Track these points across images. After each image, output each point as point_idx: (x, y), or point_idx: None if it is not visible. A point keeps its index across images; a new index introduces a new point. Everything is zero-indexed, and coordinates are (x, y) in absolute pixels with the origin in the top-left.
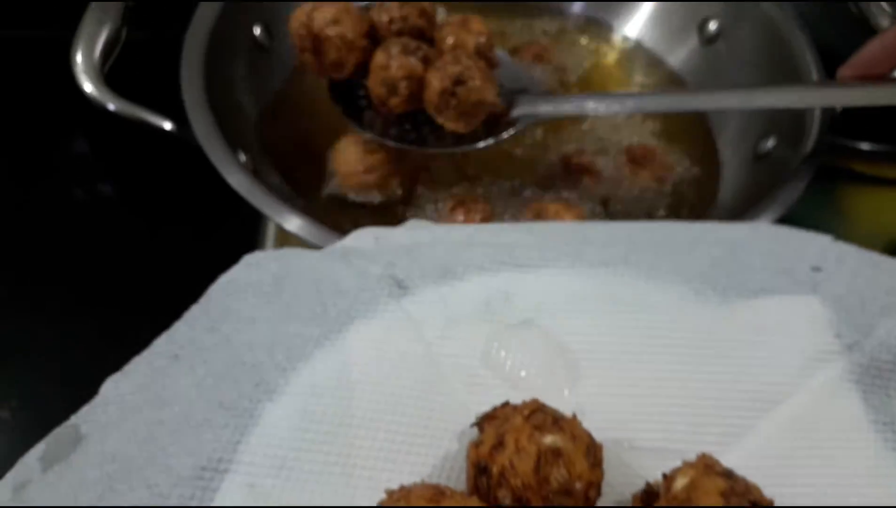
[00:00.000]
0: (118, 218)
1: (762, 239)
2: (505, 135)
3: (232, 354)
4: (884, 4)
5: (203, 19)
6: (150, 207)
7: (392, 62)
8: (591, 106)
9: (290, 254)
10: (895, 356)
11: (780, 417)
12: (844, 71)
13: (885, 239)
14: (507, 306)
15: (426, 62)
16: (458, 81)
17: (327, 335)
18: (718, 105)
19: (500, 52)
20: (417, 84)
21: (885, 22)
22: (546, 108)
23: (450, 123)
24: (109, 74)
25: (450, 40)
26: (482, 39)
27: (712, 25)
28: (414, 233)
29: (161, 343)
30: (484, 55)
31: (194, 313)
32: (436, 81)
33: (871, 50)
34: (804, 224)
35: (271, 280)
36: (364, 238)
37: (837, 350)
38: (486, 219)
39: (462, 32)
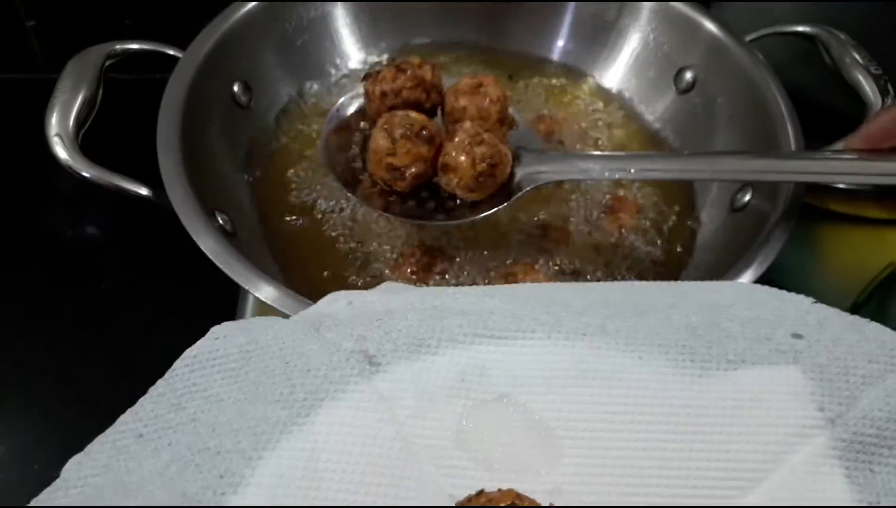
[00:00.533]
0: (105, 264)
1: (742, 303)
2: (514, 199)
3: (197, 437)
4: (855, 55)
5: (180, 77)
6: (138, 254)
7: (398, 149)
8: (597, 169)
9: (259, 325)
10: (879, 430)
11: (761, 495)
12: (853, 143)
13: (864, 278)
14: (482, 381)
15: (432, 141)
16: (494, 164)
17: (294, 419)
18: (736, 174)
19: None
20: (425, 166)
21: (856, 73)
22: (550, 170)
23: (471, 196)
24: (85, 136)
25: (462, 102)
26: (500, 105)
27: (688, 75)
28: (388, 298)
29: (126, 420)
30: (504, 121)
31: (160, 388)
32: (468, 165)
33: (881, 122)
34: (783, 264)
35: (238, 355)
36: (338, 303)
37: (820, 425)
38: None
39: (477, 98)
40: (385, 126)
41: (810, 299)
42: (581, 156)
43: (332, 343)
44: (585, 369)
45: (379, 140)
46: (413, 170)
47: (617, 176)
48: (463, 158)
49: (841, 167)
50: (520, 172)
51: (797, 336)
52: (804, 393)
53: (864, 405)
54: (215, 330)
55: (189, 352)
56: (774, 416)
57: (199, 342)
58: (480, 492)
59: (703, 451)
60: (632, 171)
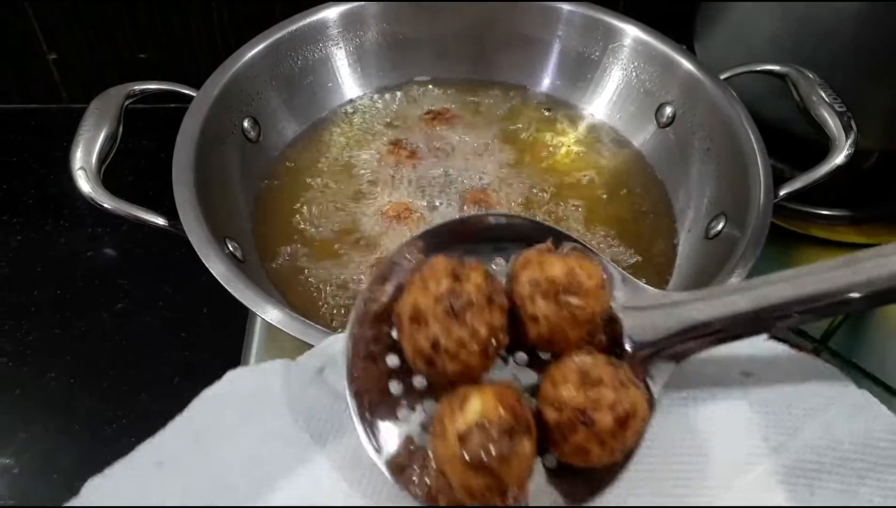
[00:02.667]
0: (122, 285)
1: None
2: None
3: (210, 472)
4: (822, 93)
5: (194, 115)
6: (152, 276)
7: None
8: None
9: (270, 370)
10: (819, 457)
11: None
12: None
13: None
14: None
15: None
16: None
17: (301, 460)
18: None
19: None
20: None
21: (822, 110)
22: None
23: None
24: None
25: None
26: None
27: (668, 110)
28: None
29: (145, 449)
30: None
31: (178, 423)
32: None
33: None
34: None
35: (250, 398)
36: (338, 344)
37: (764, 453)
38: None
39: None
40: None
41: (763, 337)
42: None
43: (334, 388)
44: None
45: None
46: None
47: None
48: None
49: None
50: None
51: (746, 374)
52: (752, 425)
53: (805, 434)
54: (230, 375)
55: (206, 392)
56: (726, 445)
57: (216, 384)
58: None
59: (667, 474)
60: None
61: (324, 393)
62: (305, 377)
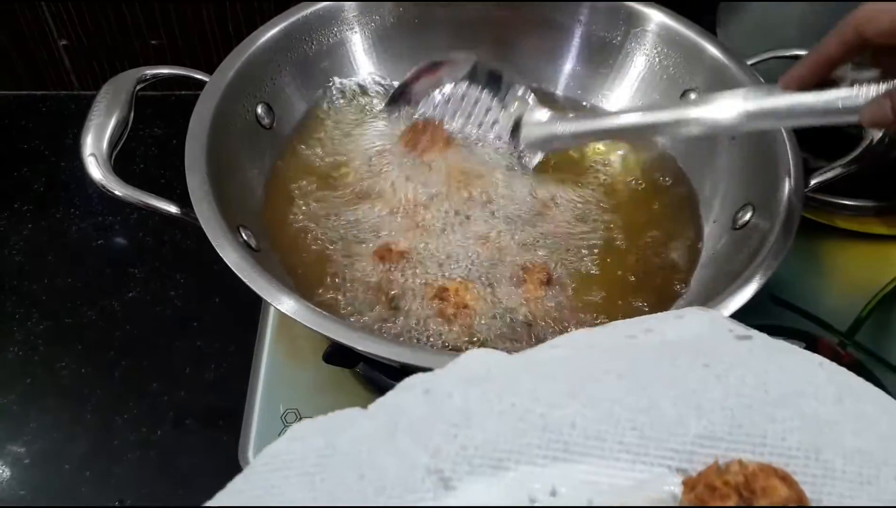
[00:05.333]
0: (133, 273)
1: (847, 418)
2: None
3: None
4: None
5: (207, 101)
6: (164, 264)
7: None
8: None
9: (337, 425)
10: None
11: None
12: (780, 83)
13: (868, 293)
14: (553, 501)
15: None
16: None
17: None
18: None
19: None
20: None
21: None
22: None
23: None
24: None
25: None
26: None
27: (692, 97)
28: (466, 391)
29: None
30: None
31: (238, 485)
32: None
33: (801, 65)
34: (789, 280)
35: (315, 459)
36: (414, 391)
37: None
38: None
39: None
40: None
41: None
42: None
43: (407, 457)
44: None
45: None
46: None
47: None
48: None
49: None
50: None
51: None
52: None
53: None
54: (295, 429)
55: (268, 450)
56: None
57: (279, 442)
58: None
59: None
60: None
61: (397, 464)
62: (376, 440)
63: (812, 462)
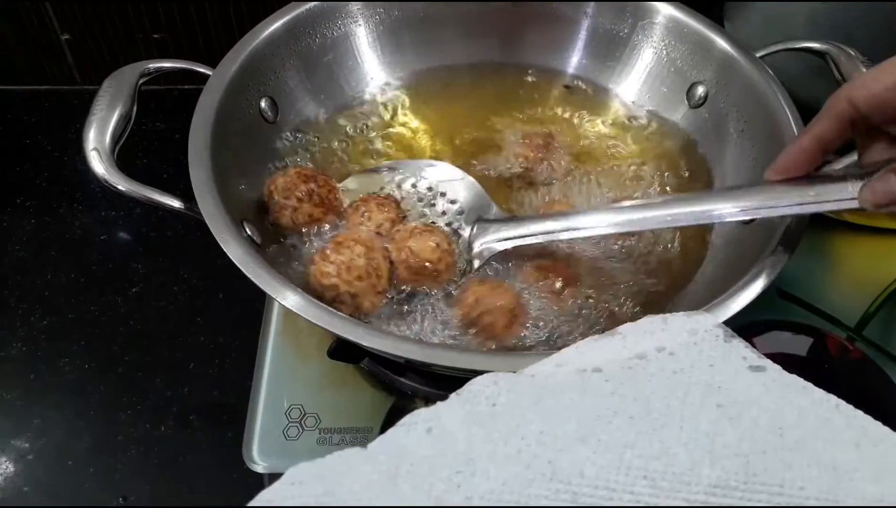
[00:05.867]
0: (137, 268)
1: (867, 465)
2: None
3: None
4: (862, 68)
5: (210, 95)
6: (168, 260)
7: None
8: (552, 227)
9: (336, 470)
10: None
11: None
12: (769, 175)
13: (877, 287)
14: None
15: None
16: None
17: None
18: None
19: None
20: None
21: None
22: (507, 234)
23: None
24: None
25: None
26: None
27: (700, 90)
28: (469, 431)
29: None
30: None
31: None
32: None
33: (790, 153)
34: (797, 274)
35: (313, 506)
36: (416, 430)
37: None
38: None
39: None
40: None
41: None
42: (526, 220)
43: (408, 497)
44: None
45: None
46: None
47: (568, 236)
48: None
49: (761, 199)
50: (477, 245)
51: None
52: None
53: None
54: (291, 474)
55: (264, 495)
56: None
57: (275, 486)
58: None
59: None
60: (580, 230)
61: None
62: (377, 487)
63: None
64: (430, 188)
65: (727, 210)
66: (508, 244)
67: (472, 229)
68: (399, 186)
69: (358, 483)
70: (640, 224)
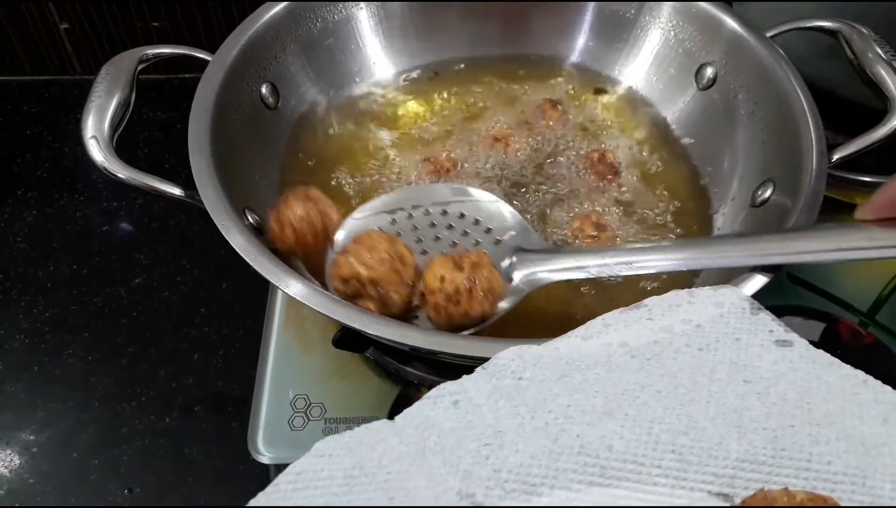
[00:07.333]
0: (139, 259)
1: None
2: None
3: None
4: (878, 49)
5: (210, 81)
6: (170, 250)
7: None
8: (595, 265)
9: (365, 443)
10: None
11: None
12: (862, 213)
13: (890, 272)
14: None
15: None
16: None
17: None
18: (740, 260)
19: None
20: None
21: (879, 68)
22: (560, 266)
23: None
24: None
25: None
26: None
27: (709, 71)
28: (496, 403)
29: None
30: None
31: (261, 501)
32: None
33: (890, 192)
34: None
35: (342, 479)
36: (443, 402)
37: None
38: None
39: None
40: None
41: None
42: (580, 253)
43: (437, 479)
44: None
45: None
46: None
47: (618, 272)
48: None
49: (851, 241)
50: (518, 276)
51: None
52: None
53: None
54: (319, 447)
55: (293, 468)
56: None
57: (304, 459)
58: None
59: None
60: (632, 265)
61: (428, 486)
62: (406, 461)
63: (859, 489)
64: (462, 215)
65: (818, 252)
66: (563, 276)
67: (510, 260)
68: (427, 213)
69: (387, 457)
70: (708, 261)
